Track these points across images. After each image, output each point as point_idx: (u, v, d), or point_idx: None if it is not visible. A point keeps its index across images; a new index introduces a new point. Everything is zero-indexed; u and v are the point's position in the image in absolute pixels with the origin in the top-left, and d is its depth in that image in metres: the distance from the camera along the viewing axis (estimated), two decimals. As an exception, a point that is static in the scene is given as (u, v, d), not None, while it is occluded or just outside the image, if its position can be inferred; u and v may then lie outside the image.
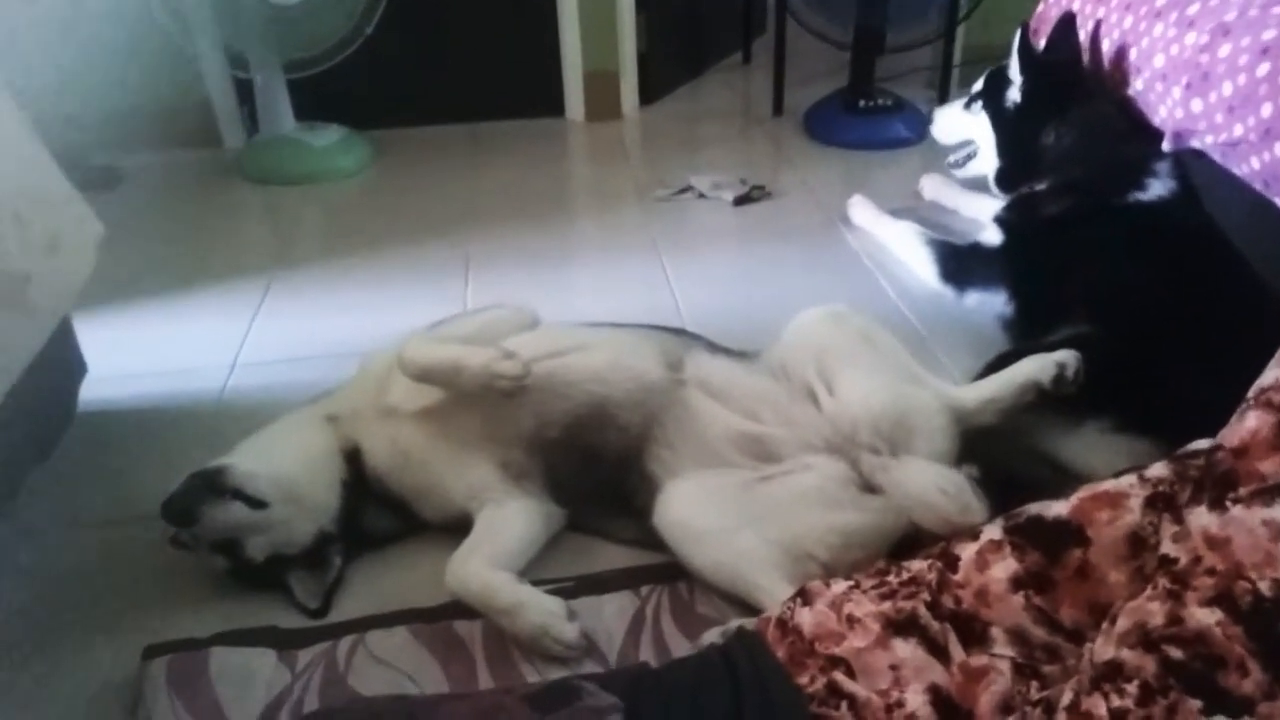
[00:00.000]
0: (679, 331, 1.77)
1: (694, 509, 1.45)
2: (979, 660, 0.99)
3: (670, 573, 1.49)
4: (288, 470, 1.53)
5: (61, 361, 1.96)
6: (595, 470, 1.57)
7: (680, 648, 1.37)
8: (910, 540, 1.41)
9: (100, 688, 1.39)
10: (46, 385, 1.90)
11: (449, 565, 1.41)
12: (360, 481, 1.59)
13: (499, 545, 1.48)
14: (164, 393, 2.09)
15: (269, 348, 2.25)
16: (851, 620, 1.07)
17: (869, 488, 1.46)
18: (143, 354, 2.22)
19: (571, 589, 1.48)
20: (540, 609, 1.36)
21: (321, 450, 1.59)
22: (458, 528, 1.56)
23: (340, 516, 1.56)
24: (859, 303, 2.28)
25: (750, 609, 1.38)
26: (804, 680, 1.01)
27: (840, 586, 1.14)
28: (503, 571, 1.41)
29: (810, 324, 1.67)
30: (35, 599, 1.56)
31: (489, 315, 1.70)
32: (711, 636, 1.26)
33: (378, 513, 1.60)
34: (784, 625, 1.10)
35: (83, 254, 1.68)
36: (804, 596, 1.15)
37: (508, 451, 1.58)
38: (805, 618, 1.09)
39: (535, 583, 1.48)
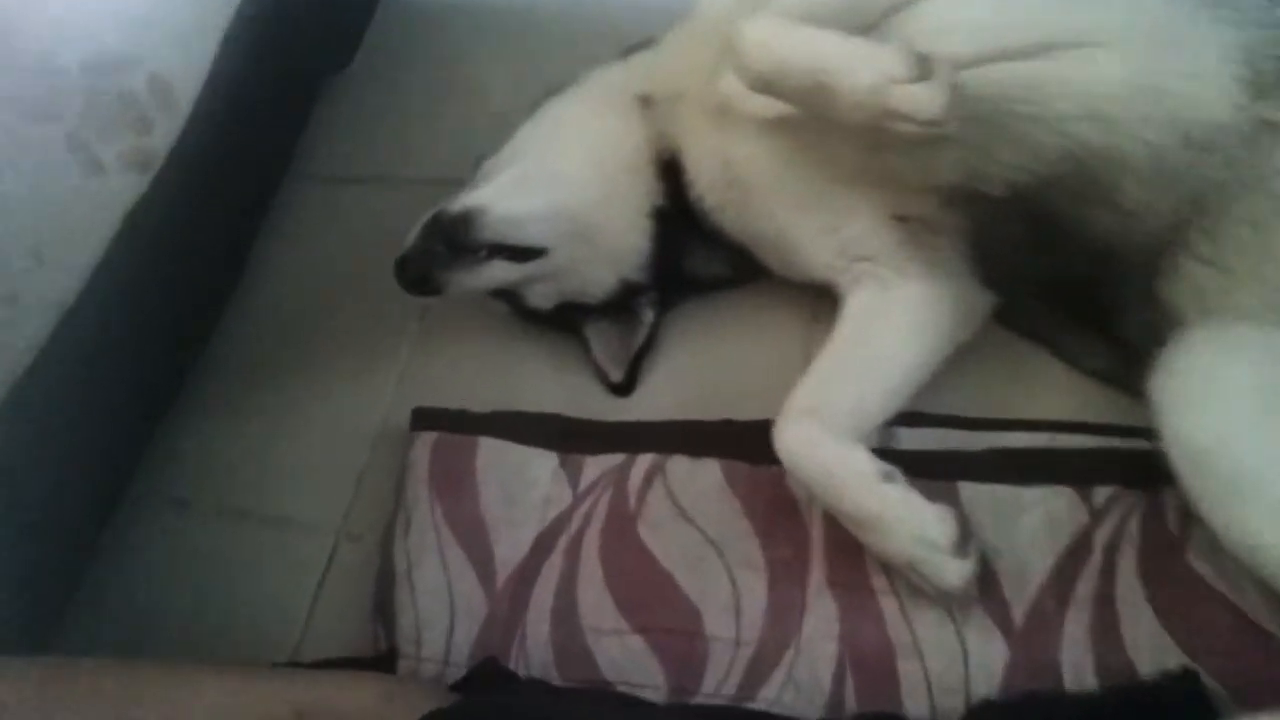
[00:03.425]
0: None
1: (1239, 415, 0.76)
2: None
3: (1155, 467, 0.87)
4: (572, 198, 1.04)
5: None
6: (1058, 257, 0.90)
7: (1144, 639, 0.81)
8: None
9: (380, 428, 1.19)
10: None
11: (780, 419, 0.91)
12: (680, 209, 1.06)
13: (863, 386, 0.93)
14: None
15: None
16: None
17: None
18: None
19: (978, 461, 0.93)
20: (910, 532, 0.84)
21: (624, 161, 1.05)
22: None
23: (650, 262, 1.08)
24: None
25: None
26: None
27: None
28: (859, 449, 0.88)
29: None
30: (309, 287, 1.35)
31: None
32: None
33: (705, 254, 1.10)
34: None
35: None
36: None
37: (909, 201, 0.94)
38: None
39: (917, 420, 0.96)
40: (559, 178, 1.04)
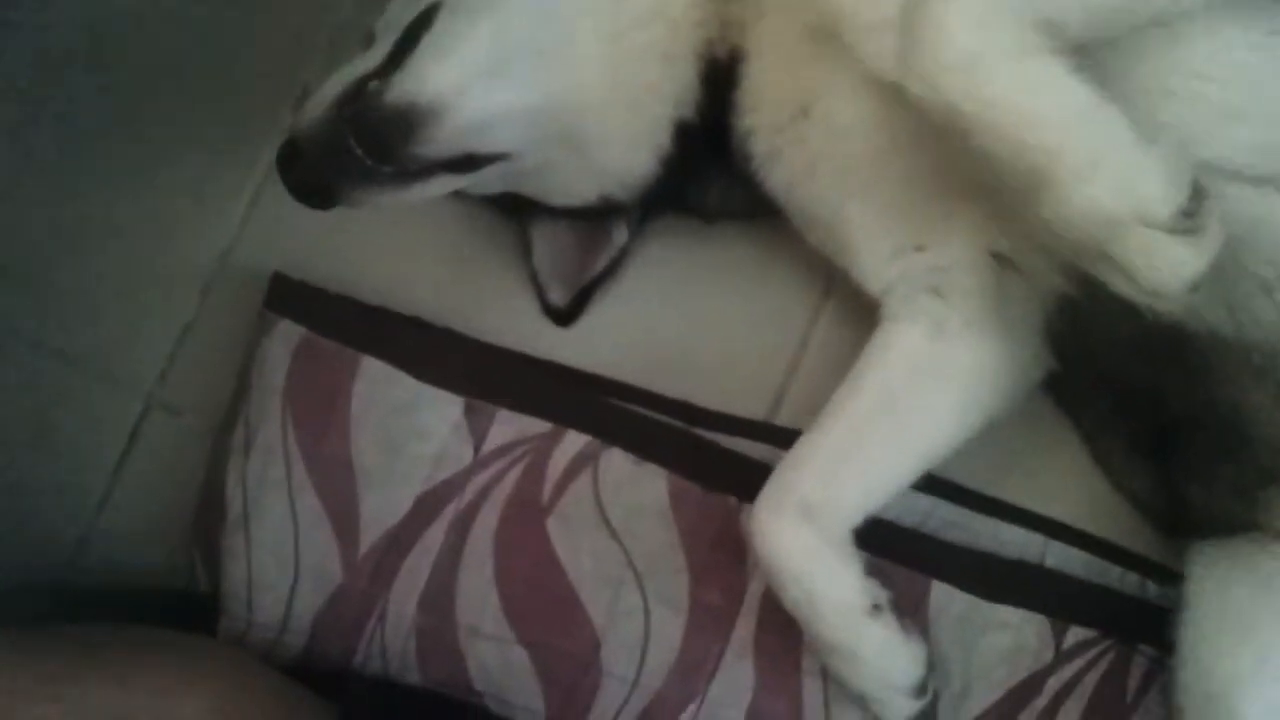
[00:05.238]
0: None
1: (1272, 668, 0.66)
2: None
3: (1140, 620, 0.78)
4: (573, 89, 0.69)
5: None
6: (1170, 392, 0.70)
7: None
8: None
9: (215, 270, 0.87)
10: None
11: (767, 505, 0.70)
12: (712, 128, 0.73)
13: (882, 469, 0.72)
14: None
15: None
16: None
17: None
18: None
19: (960, 560, 0.80)
20: (878, 675, 0.71)
21: (658, 41, 0.69)
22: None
23: (650, 185, 0.77)
24: None
25: None
26: None
27: None
28: (852, 567, 0.70)
29: None
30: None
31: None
32: None
33: (723, 188, 0.79)
34: None
35: None
36: None
37: (1021, 246, 0.69)
38: None
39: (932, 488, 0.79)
40: (559, 54, 0.67)
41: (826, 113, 0.68)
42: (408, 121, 0.62)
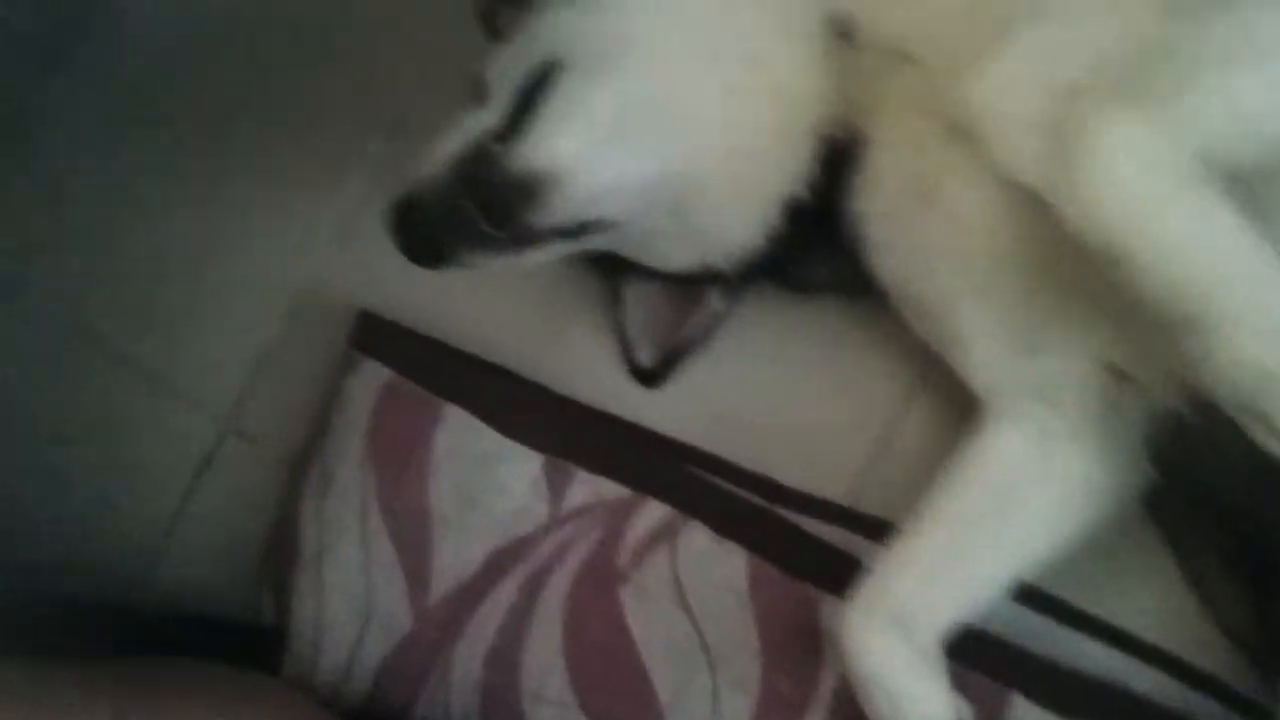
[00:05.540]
0: None
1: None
2: None
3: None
4: (692, 163, 0.67)
5: None
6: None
7: None
8: None
9: (298, 297, 0.86)
10: None
11: (859, 606, 0.67)
12: (823, 210, 0.71)
13: (979, 577, 0.70)
14: None
15: None
16: None
17: None
18: None
19: (1041, 673, 0.76)
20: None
21: (777, 118, 0.67)
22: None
23: (754, 260, 0.75)
24: None
25: None
26: None
27: None
28: (940, 680, 0.68)
29: None
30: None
31: None
32: None
33: (828, 266, 0.77)
34: None
35: None
36: None
37: (1140, 362, 0.67)
38: None
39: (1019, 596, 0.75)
40: (681, 126, 0.66)
41: (949, 206, 0.65)
42: (530, 189, 0.61)
